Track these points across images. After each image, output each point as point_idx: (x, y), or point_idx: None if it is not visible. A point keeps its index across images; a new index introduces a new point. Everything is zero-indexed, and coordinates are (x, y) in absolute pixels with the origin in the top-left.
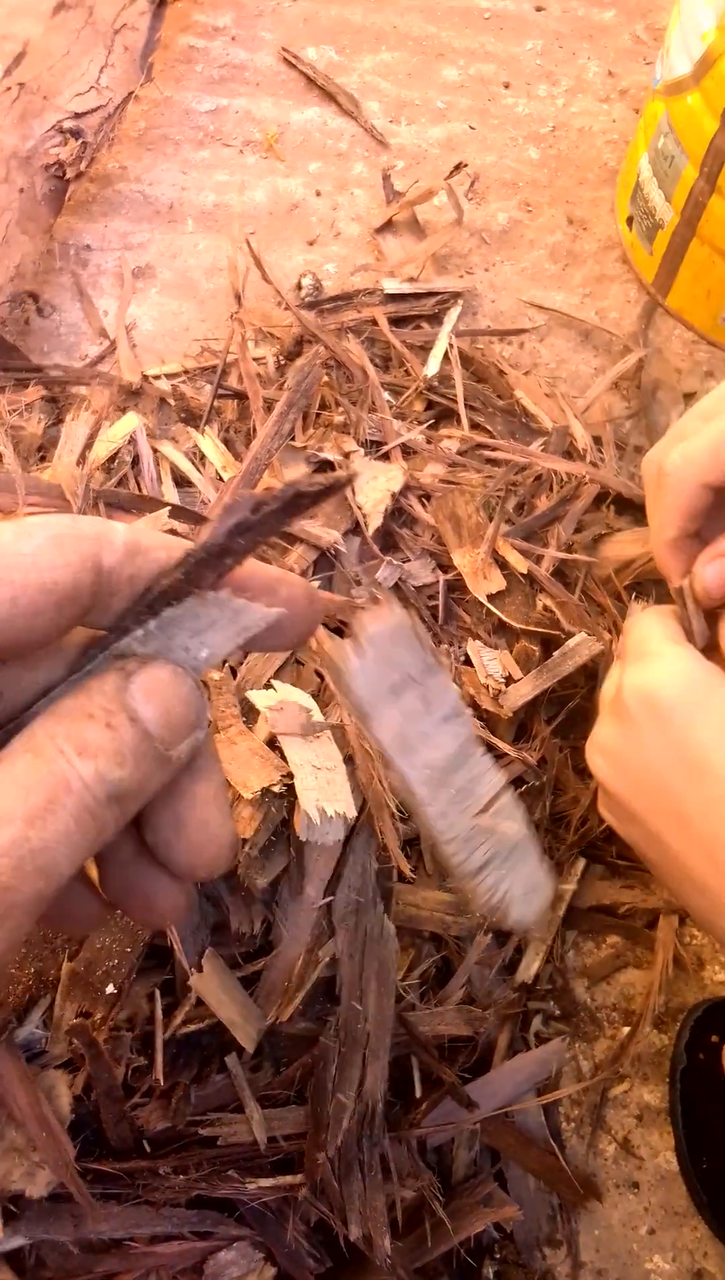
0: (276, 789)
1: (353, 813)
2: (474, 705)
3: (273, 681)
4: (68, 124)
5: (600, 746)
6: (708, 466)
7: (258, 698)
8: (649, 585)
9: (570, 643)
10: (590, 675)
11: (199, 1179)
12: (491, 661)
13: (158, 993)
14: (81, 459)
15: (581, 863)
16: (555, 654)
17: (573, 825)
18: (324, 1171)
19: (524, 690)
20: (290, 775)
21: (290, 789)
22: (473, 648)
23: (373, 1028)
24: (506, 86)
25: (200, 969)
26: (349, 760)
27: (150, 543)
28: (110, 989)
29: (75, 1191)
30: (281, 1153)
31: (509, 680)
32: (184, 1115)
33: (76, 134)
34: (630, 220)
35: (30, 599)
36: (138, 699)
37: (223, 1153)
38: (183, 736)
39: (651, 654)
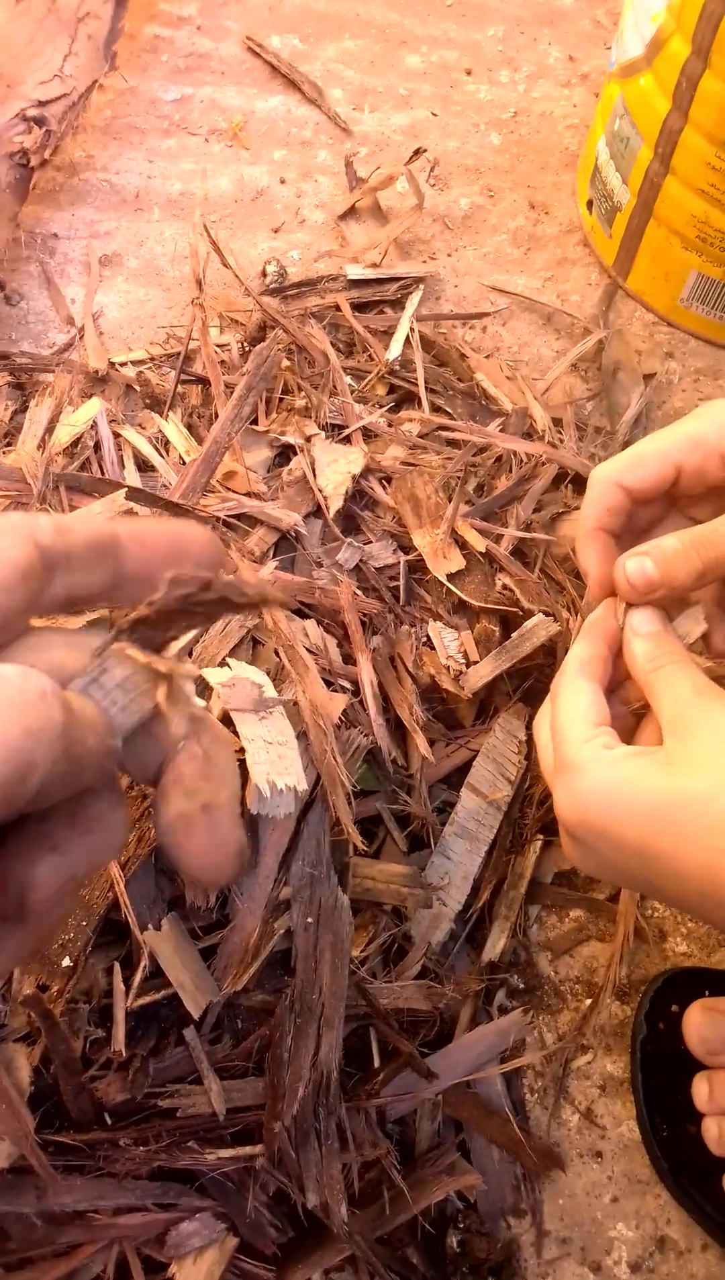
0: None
1: (304, 786)
2: (435, 687)
3: (227, 659)
4: (31, 112)
5: (566, 848)
6: (624, 469)
7: (211, 674)
8: None
9: (528, 624)
10: (549, 653)
11: (159, 1150)
12: (452, 643)
13: (117, 965)
14: (42, 444)
15: (539, 840)
16: (514, 635)
17: (534, 802)
18: (281, 1141)
19: (484, 671)
20: (242, 750)
21: (242, 764)
22: (433, 629)
23: (327, 998)
24: (468, 73)
25: (158, 927)
26: (302, 736)
27: (71, 522)
28: (66, 961)
29: (36, 1163)
30: (241, 1124)
31: (469, 661)
32: (142, 1087)
33: (40, 121)
34: (590, 204)
35: (4, 576)
36: None
37: (182, 1124)
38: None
39: (571, 766)
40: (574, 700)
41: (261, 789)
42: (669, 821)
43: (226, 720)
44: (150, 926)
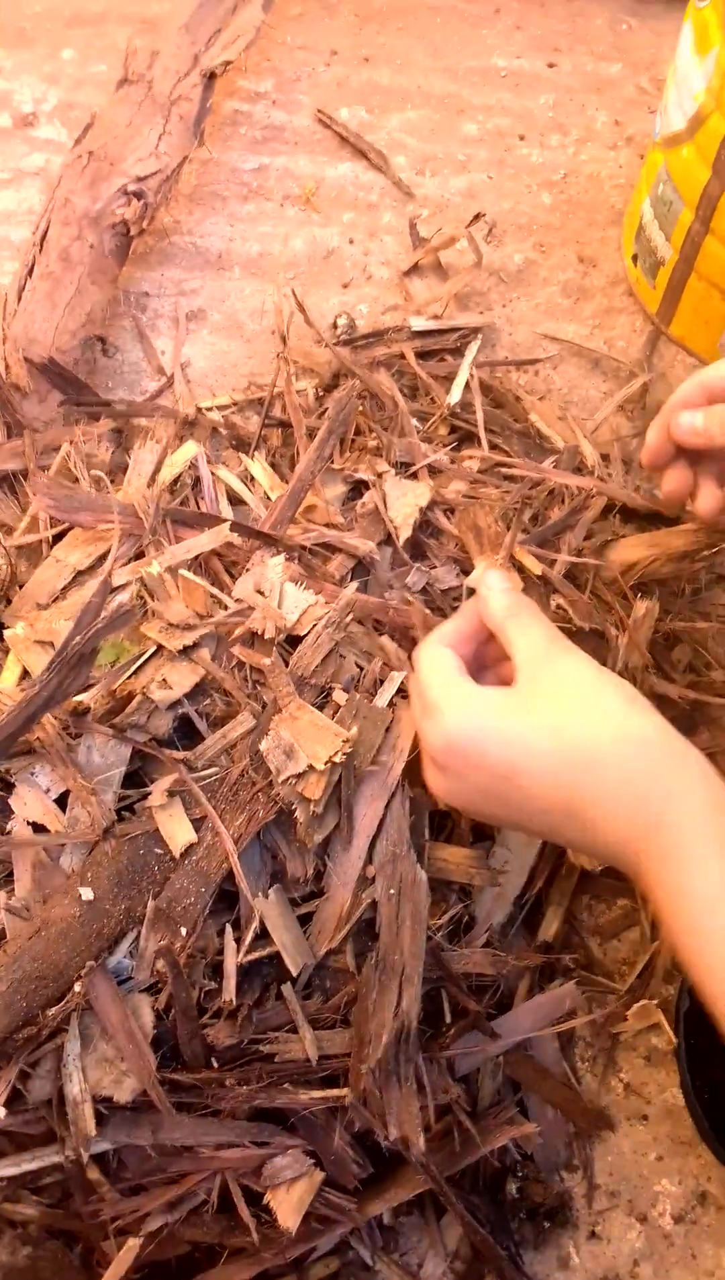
0: (338, 758)
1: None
2: None
3: None
4: (131, 187)
5: (431, 782)
6: (705, 372)
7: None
8: (652, 586)
9: None
10: None
11: (259, 1090)
12: None
13: (229, 927)
14: (150, 482)
15: None
16: None
17: None
18: (367, 1083)
19: None
20: (349, 741)
21: (348, 756)
22: None
23: (408, 959)
24: (521, 138)
25: (267, 896)
26: (389, 730)
27: None
28: (184, 930)
29: (155, 1097)
30: (329, 1069)
31: None
32: (247, 1033)
33: (139, 195)
34: (635, 257)
35: None
36: None
37: (279, 1068)
38: None
39: (433, 707)
40: (433, 658)
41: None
42: (524, 750)
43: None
44: (260, 894)
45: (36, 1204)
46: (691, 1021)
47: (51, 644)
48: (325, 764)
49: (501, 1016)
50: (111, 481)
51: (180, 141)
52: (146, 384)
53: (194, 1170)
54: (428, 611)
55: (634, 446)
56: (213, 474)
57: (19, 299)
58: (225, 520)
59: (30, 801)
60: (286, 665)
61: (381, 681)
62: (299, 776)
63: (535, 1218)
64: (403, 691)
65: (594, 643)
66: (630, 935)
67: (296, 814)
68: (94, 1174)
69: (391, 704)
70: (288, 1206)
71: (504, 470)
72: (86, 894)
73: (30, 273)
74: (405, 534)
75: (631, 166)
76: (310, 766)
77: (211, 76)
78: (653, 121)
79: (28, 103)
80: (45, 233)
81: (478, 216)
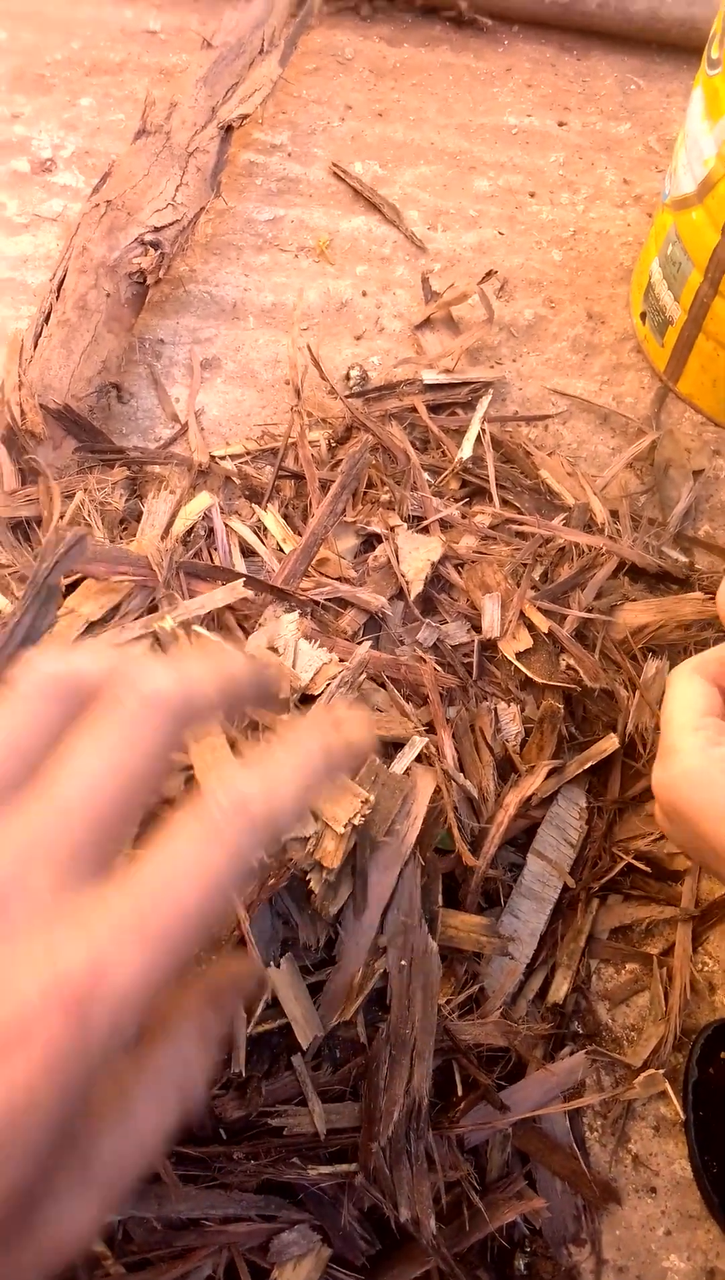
0: (357, 820)
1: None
2: (508, 757)
3: None
4: (148, 237)
5: (657, 817)
6: None
7: None
8: (662, 649)
9: (601, 744)
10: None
11: (267, 1164)
12: (509, 724)
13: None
14: (164, 534)
15: (596, 902)
16: (588, 751)
17: (590, 864)
18: (376, 1160)
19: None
20: (367, 802)
21: (365, 822)
22: (499, 708)
23: (419, 1033)
24: (532, 195)
25: (278, 965)
26: (405, 800)
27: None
28: None
29: (162, 1170)
30: (337, 1144)
31: (524, 741)
32: (256, 1106)
33: (156, 245)
34: (644, 315)
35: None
36: None
37: (288, 1141)
38: None
39: (671, 750)
40: (685, 691)
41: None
42: None
43: None
44: (271, 964)
45: None
46: (700, 1093)
47: None
48: (344, 826)
49: (511, 1087)
50: (125, 529)
51: (197, 192)
52: (161, 431)
53: (200, 1244)
54: None
55: (642, 504)
56: (226, 525)
57: (35, 345)
58: (240, 575)
59: None
60: None
61: (399, 746)
62: (314, 841)
63: None
64: (421, 757)
65: (604, 702)
66: (639, 1001)
67: (311, 882)
68: (99, 1247)
69: (408, 771)
70: None
71: (514, 526)
72: None
73: (47, 320)
74: (417, 589)
75: (639, 225)
76: (326, 828)
77: (228, 129)
78: (660, 180)
79: (46, 149)
80: (62, 280)
81: (490, 273)
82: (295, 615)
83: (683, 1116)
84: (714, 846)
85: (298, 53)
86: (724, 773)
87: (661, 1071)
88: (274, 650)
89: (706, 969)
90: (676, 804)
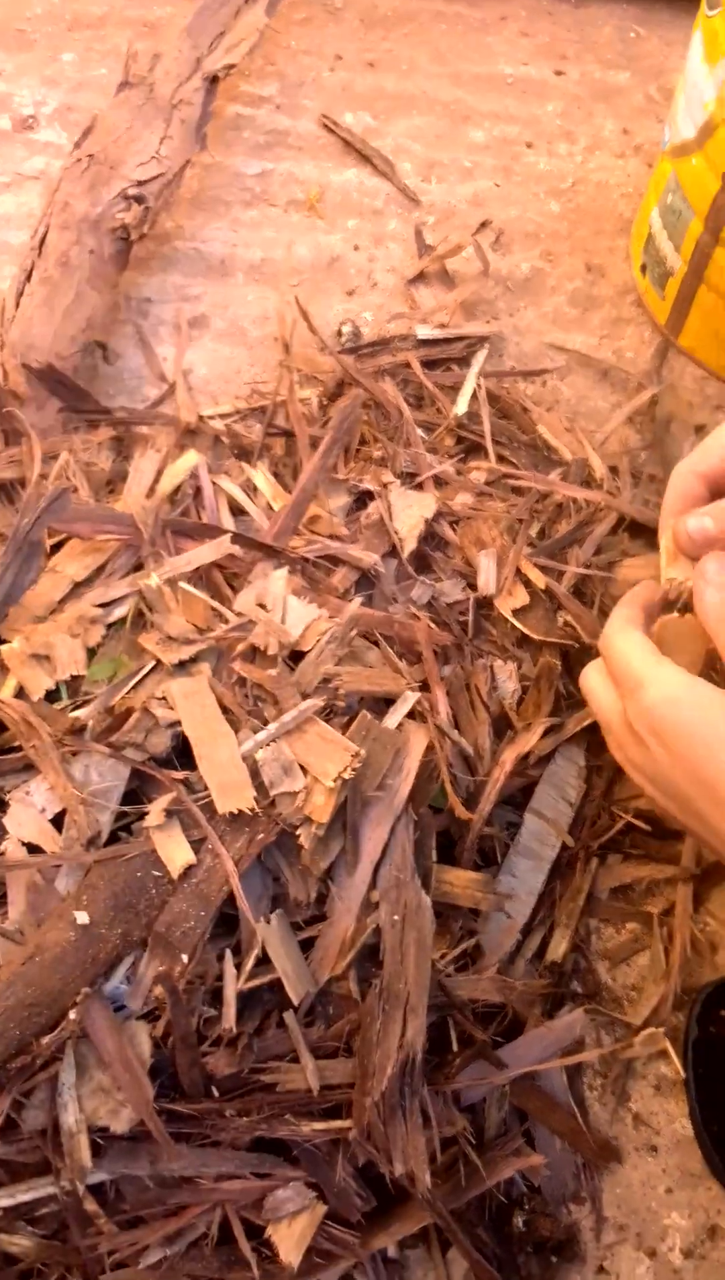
0: (348, 774)
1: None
2: (503, 714)
3: None
4: (132, 191)
5: (627, 761)
6: (698, 459)
7: None
8: None
9: None
10: None
11: (260, 1121)
12: (506, 682)
13: (228, 952)
14: (150, 492)
15: (595, 861)
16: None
17: (589, 822)
18: (370, 1115)
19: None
20: (357, 756)
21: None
22: (495, 665)
23: (412, 987)
24: (529, 146)
25: (269, 921)
26: (397, 754)
27: None
28: (183, 956)
29: (153, 1127)
30: (331, 1101)
31: (521, 699)
32: (247, 1062)
33: (140, 200)
34: (644, 267)
35: None
36: None
37: (281, 1098)
38: None
39: (642, 681)
40: (628, 640)
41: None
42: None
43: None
44: (261, 919)
45: (32, 1235)
46: (700, 1051)
47: (48, 657)
48: (334, 781)
49: (509, 1045)
50: (111, 491)
51: (182, 145)
52: (148, 391)
53: (193, 1202)
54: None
55: (643, 460)
56: (214, 484)
57: (17, 304)
58: (226, 531)
59: (25, 821)
60: (291, 672)
61: (390, 701)
62: (304, 795)
63: (542, 1252)
64: (413, 714)
65: None
66: (639, 960)
67: (301, 837)
68: (91, 1205)
69: (400, 726)
70: (289, 1240)
71: (511, 482)
72: (82, 918)
73: (29, 277)
74: (410, 546)
75: (640, 175)
76: (315, 782)
77: (214, 80)
78: (661, 130)
79: (28, 105)
80: (44, 237)
81: (484, 224)
82: (284, 572)
83: (683, 1075)
84: (706, 775)
85: (286, 2)
86: (699, 702)
87: (662, 1030)
88: (262, 607)
89: (708, 928)
90: (657, 726)
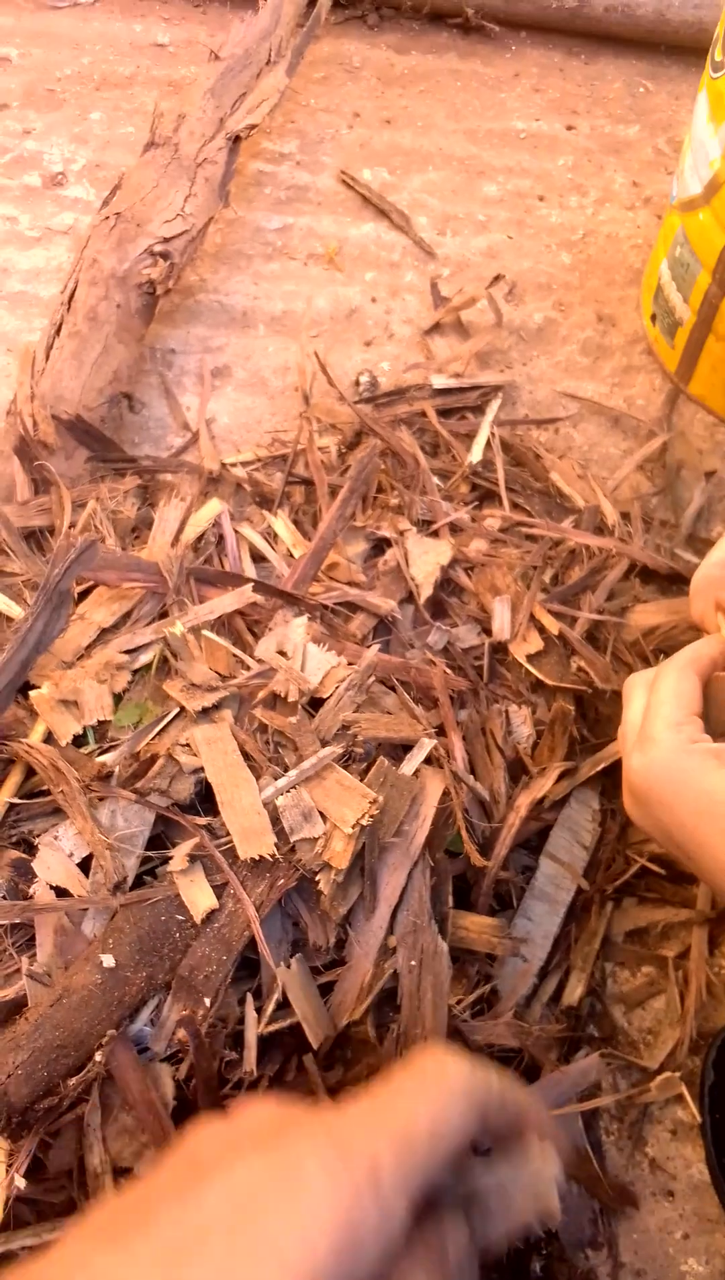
0: (366, 820)
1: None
2: (519, 759)
3: None
4: (158, 248)
5: (625, 800)
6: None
7: None
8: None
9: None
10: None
11: None
12: (520, 727)
13: (250, 996)
14: (174, 540)
15: (610, 905)
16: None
17: (604, 866)
18: None
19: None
20: (376, 803)
21: (374, 823)
22: (510, 710)
23: (429, 1033)
24: (541, 199)
25: (288, 965)
26: (414, 800)
27: (514, 1099)
28: (206, 999)
29: None
30: None
31: (535, 743)
32: None
33: (165, 256)
34: (654, 317)
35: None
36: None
37: None
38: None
39: (651, 740)
40: (676, 685)
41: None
42: (716, 817)
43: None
44: (282, 964)
45: None
46: (716, 1096)
47: (76, 703)
48: (352, 827)
49: (524, 1089)
50: (137, 537)
51: (206, 203)
52: (172, 440)
53: None
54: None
55: (654, 505)
56: (236, 532)
57: (46, 357)
58: (249, 580)
59: (53, 865)
60: (311, 719)
61: (407, 747)
62: (323, 842)
63: None
64: (430, 759)
65: (615, 704)
66: (655, 1004)
67: (320, 883)
68: None
69: (417, 772)
70: None
71: (524, 529)
72: (108, 961)
73: (58, 332)
74: (427, 592)
75: (649, 227)
76: (334, 829)
77: (237, 139)
78: (670, 183)
79: (57, 163)
80: (73, 292)
81: (498, 277)
82: (304, 620)
83: (699, 1120)
84: (677, 839)
85: (305, 62)
86: (698, 771)
87: (678, 1075)
88: (283, 654)
89: (723, 971)
90: (649, 792)
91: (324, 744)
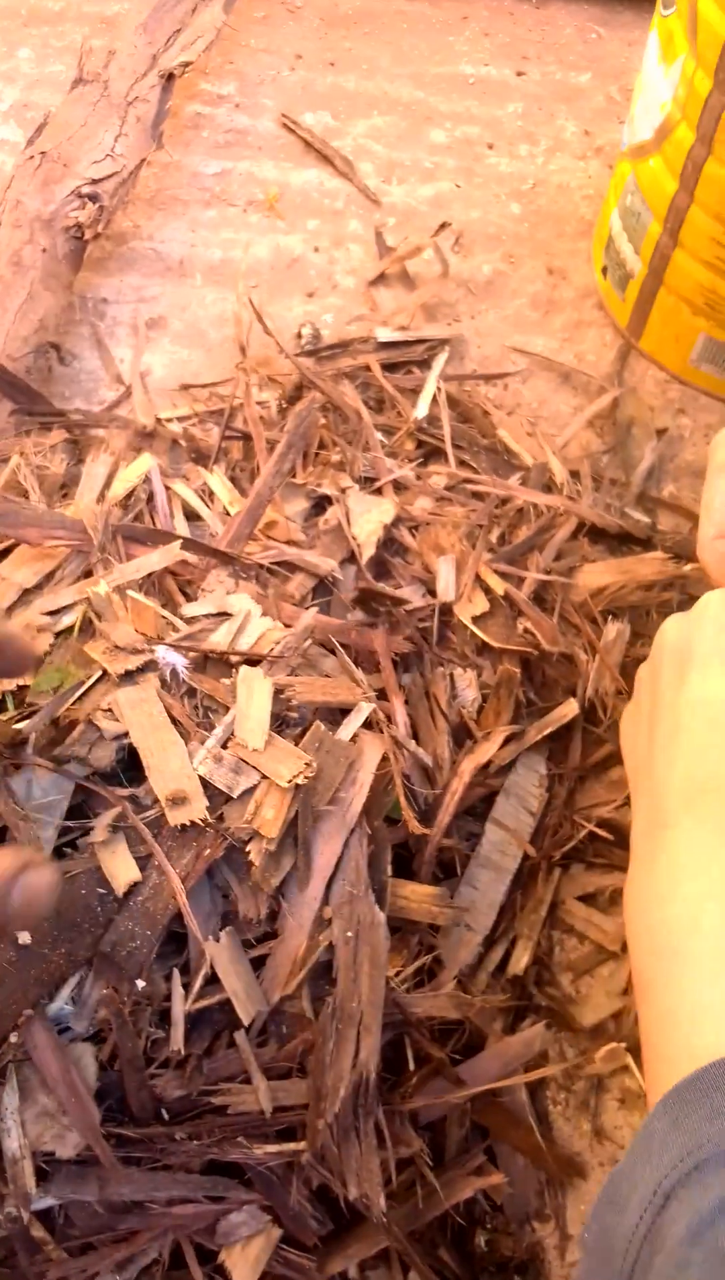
0: (301, 780)
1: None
2: (463, 724)
3: None
4: (86, 189)
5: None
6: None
7: None
8: (622, 611)
9: (559, 710)
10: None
11: (211, 1144)
12: (466, 690)
13: (176, 972)
14: (101, 497)
15: (557, 871)
16: (547, 717)
17: (551, 831)
18: (324, 1137)
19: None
20: (309, 765)
21: (306, 789)
22: (456, 674)
23: (366, 1006)
24: (490, 147)
25: (218, 939)
26: (351, 767)
27: None
28: (129, 976)
29: (100, 1152)
30: (284, 1122)
31: (481, 708)
32: (197, 1084)
33: (94, 198)
34: (605, 270)
35: None
36: None
37: (232, 1120)
38: None
39: (708, 661)
40: None
41: None
42: None
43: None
44: (211, 937)
45: None
46: None
47: None
48: (287, 781)
49: (468, 1062)
50: (65, 496)
51: (138, 143)
52: (104, 393)
53: (144, 1227)
54: None
55: (604, 463)
56: (167, 488)
57: None
58: (178, 537)
59: None
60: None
61: (345, 712)
62: (253, 808)
63: (506, 1271)
64: (370, 724)
65: (563, 667)
66: (603, 971)
67: (251, 853)
68: (39, 1232)
69: (355, 737)
70: (244, 1265)
71: (471, 487)
72: (23, 937)
73: None
74: (368, 552)
75: (601, 177)
76: (269, 783)
77: (170, 77)
78: (622, 131)
79: None
80: None
81: (443, 225)
82: (238, 579)
83: (646, 1089)
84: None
85: (245, 0)
86: None
87: (623, 1045)
88: (215, 615)
89: None
90: (711, 713)
91: None
